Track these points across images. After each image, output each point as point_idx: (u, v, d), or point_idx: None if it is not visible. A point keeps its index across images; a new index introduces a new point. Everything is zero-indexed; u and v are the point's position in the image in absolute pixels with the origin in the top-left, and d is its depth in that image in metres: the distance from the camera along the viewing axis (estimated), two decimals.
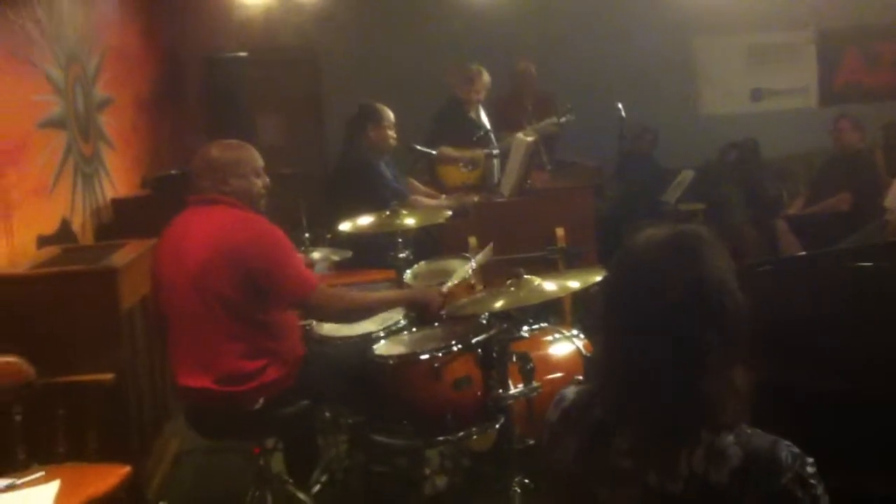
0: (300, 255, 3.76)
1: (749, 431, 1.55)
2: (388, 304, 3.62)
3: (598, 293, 1.76)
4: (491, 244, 3.99)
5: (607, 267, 1.73)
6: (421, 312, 3.58)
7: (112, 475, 3.19)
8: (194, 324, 3.27)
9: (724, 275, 1.60)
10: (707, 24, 8.92)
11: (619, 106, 6.08)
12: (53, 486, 3.05)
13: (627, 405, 1.61)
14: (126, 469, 3.24)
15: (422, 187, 5.84)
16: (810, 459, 1.52)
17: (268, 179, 3.54)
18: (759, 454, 1.51)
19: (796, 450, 1.52)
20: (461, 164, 6.25)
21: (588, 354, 3.75)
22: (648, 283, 1.60)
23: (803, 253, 5.92)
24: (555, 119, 6.56)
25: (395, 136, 5.36)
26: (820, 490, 1.51)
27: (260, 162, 3.51)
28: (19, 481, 3.13)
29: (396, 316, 3.80)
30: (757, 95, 9.20)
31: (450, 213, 4.45)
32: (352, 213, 4.37)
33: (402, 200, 4.95)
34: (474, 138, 6.14)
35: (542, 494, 1.75)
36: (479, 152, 6.21)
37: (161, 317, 3.44)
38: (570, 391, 1.76)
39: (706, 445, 1.52)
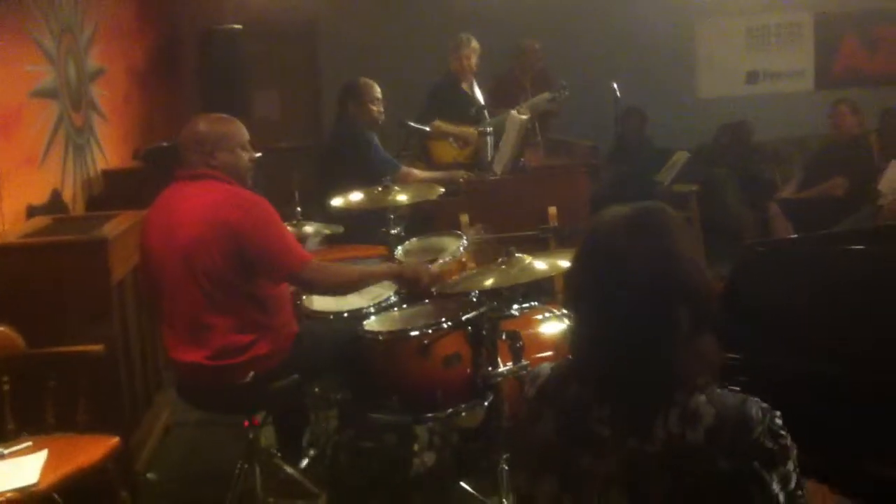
0: (291, 230, 3.76)
1: (719, 391, 1.61)
2: (376, 277, 3.61)
3: (567, 270, 1.79)
4: (480, 225, 3.98)
5: (576, 245, 1.77)
6: (410, 287, 3.58)
7: (100, 446, 3.20)
8: (184, 298, 3.26)
9: (687, 249, 1.64)
10: (705, 5, 8.88)
11: (615, 86, 6.06)
12: (41, 457, 3.06)
13: (602, 378, 1.65)
14: (114, 440, 3.25)
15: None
16: (778, 412, 1.58)
17: (254, 153, 3.53)
18: (731, 411, 1.57)
19: (765, 405, 1.58)
20: (452, 140, 6.21)
21: None
22: (615, 259, 1.64)
23: (795, 236, 5.92)
24: (547, 95, 6.53)
25: (381, 110, 5.30)
26: (788, 440, 1.57)
27: (246, 136, 3.50)
28: (6, 451, 3.14)
29: (387, 292, 3.79)
30: (753, 78, 9.19)
31: (442, 190, 4.44)
32: (344, 187, 4.35)
33: (394, 172, 4.92)
34: (472, 112, 6.10)
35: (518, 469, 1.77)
36: (473, 129, 6.18)
37: (150, 290, 3.44)
38: (545, 367, 1.81)
39: (680, 407, 1.58)
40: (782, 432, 1.57)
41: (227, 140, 3.41)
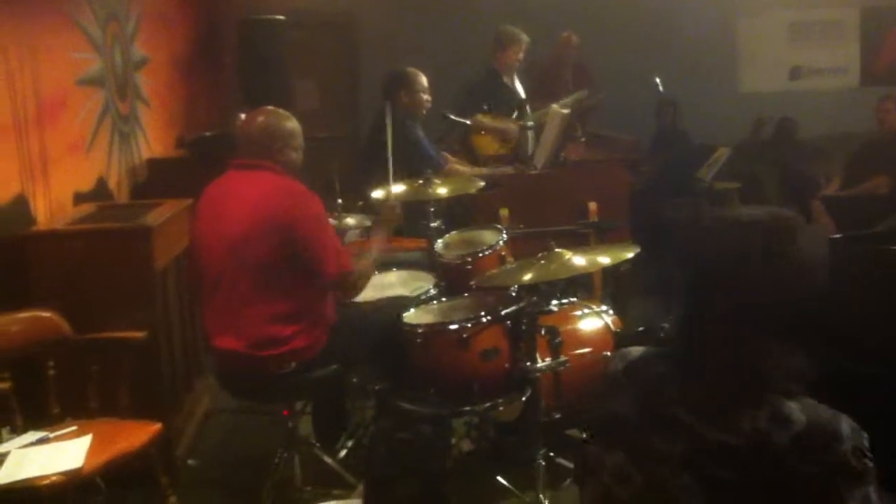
0: (332, 222, 3.79)
1: (812, 402, 1.61)
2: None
3: (681, 250, 1.78)
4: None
5: (701, 230, 1.76)
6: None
7: (143, 431, 3.25)
8: (229, 286, 3.30)
9: (802, 264, 1.64)
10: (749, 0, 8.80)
11: (657, 80, 6.02)
12: (85, 441, 3.11)
13: (691, 363, 1.66)
14: (157, 426, 3.29)
15: (455, 161, 5.80)
16: (866, 434, 1.59)
17: None
18: (822, 423, 1.57)
19: (855, 424, 1.59)
20: (494, 136, 6.19)
21: (617, 330, 3.74)
22: (732, 257, 1.64)
23: (838, 235, 5.86)
24: (585, 92, 6.50)
25: (429, 99, 5.31)
26: (872, 464, 1.57)
27: None
28: (51, 434, 3.19)
29: (427, 284, 3.81)
30: (796, 74, 9.08)
31: (482, 183, 4.44)
32: (385, 180, 4.36)
33: (438, 169, 4.92)
34: (513, 115, 6.09)
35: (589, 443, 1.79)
36: (514, 122, 6.16)
37: (196, 276, 3.48)
38: (636, 348, 1.83)
39: (772, 408, 1.58)
40: (868, 454, 1.56)
41: (295, 138, 3.49)
